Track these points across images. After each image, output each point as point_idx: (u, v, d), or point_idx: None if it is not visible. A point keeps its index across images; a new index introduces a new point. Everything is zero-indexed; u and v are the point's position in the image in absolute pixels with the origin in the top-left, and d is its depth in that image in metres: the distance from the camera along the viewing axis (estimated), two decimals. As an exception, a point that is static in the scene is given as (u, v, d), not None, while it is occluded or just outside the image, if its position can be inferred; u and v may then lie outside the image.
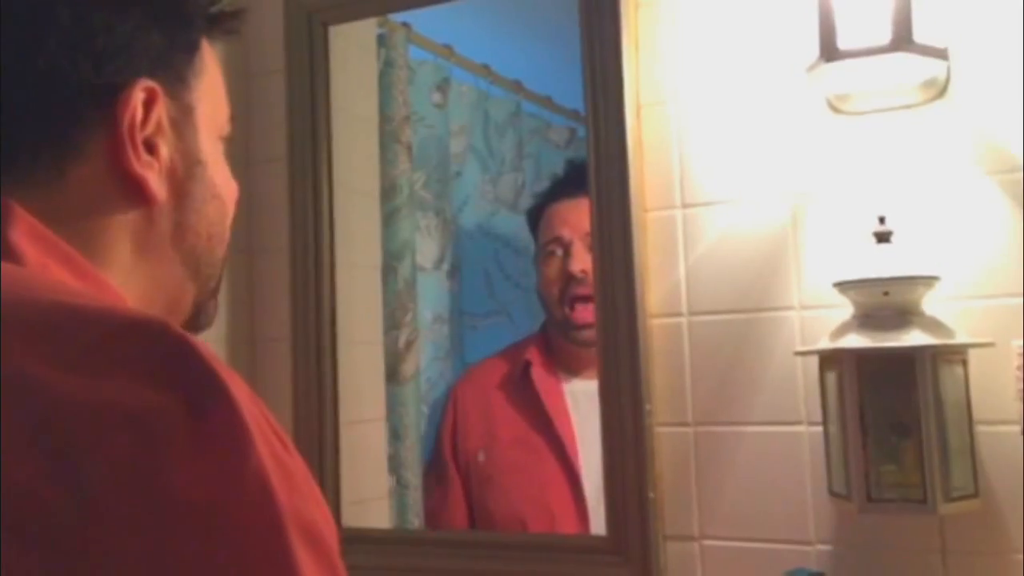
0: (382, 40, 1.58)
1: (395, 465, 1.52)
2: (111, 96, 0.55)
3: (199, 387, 0.42)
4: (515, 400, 1.52)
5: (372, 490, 1.47)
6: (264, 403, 0.46)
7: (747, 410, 1.15)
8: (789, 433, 1.13)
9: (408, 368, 1.54)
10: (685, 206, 1.19)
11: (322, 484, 1.34)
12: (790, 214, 1.14)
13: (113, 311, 0.47)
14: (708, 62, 1.19)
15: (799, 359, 1.12)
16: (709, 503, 1.16)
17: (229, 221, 0.64)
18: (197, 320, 0.64)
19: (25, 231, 0.51)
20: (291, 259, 1.39)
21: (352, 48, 1.48)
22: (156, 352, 0.43)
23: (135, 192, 0.56)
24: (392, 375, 1.53)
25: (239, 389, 0.43)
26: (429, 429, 1.60)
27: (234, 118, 0.65)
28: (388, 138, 1.56)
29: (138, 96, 0.56)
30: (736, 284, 1.16)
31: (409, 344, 1.55)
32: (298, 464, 0.45)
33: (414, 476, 1.53)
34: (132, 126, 0.55)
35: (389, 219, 1.55)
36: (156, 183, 0.57)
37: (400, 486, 1.51)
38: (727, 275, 1.17)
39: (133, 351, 0.43)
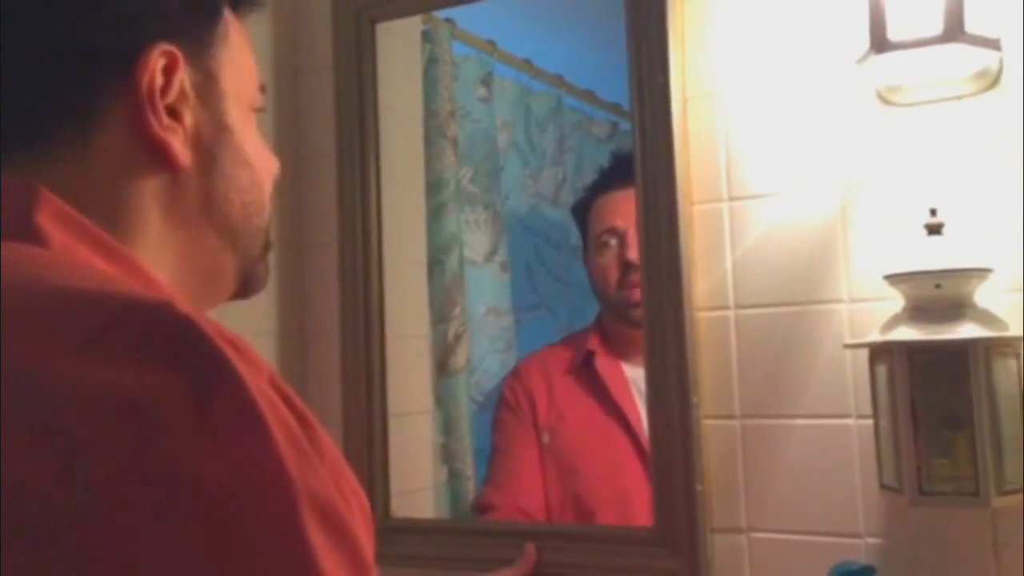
0: (427, 36, 1.59)
1: (447, 456, 1.53)
2: (129, 61, 0.54)
3: (203, 368, 0.41)
4: (581, 385, 1.51)
5: (420, 481, 1.48)
6: (278, 375, 0.44)
7: (795, 403, 1.15)
8: (838, 426, 1.13)
9: (458, 361, 1.55)
10: (732, 199, 1.19)
11: (371, 475, 1.36)
12: (839, 206, 1.14)
13: (115, 294, 0.45)
14: (756, 54, 1.18)
15: (848, 352, 1.11)
16: (757, 496, 1.16)
17: (266, 191, 0.63)
18: (247, 287, 0.64)
19: (51, 213, 0.50)
20: (340, 254, 1.41)
21: (398, 44, 1.50)
22: (156, 335, 0.42)
23: (159, 157, 0.56)
24: (442, 368, 1.54)
25: (249, 366, 0.41)
26: (484, 413, 1.59)
27: (264, 88, 0.64)
28: (434, 133, 1.57)
29: (157, 61, 0.55)
30: (784, 277, 1.16)
31: (458, 337, 1.56)
32: (321, 441, 0.43)
33: (466, 467, 1.54)
34: (152, 90, 0.55)
35: (436, 213, 1.56)
36: (180, 147, 0.56)
37: (453, 476, 1.52)
38: (775, 268, 1.17)
39: (133, 335, 0.42)
